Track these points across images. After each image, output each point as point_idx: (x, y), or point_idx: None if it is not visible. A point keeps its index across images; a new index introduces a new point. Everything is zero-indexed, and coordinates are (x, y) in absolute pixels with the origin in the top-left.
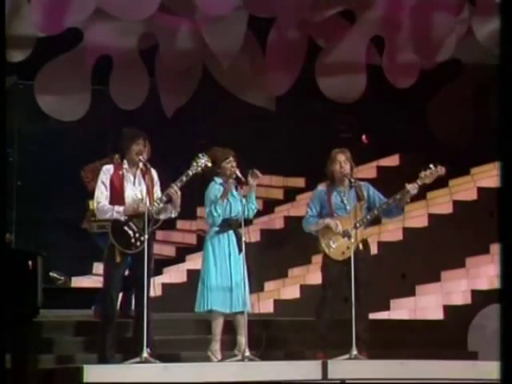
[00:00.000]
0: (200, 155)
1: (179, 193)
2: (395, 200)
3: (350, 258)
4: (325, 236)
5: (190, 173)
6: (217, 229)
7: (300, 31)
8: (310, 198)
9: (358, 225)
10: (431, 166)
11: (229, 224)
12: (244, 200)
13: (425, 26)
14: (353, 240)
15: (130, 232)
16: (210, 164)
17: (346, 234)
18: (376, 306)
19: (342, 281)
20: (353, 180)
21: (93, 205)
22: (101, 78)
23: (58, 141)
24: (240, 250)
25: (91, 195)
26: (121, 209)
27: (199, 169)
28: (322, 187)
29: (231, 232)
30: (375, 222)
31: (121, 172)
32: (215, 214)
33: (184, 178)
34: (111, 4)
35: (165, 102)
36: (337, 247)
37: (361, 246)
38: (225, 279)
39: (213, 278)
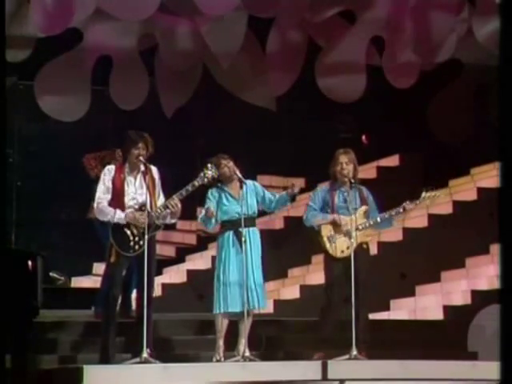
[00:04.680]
0: (209, 166)
1: (179, 205)
2: (397, 213)
3: (348, 257)
4: (327, 231)
5: (196, 183)
6: (220, 229)
7: (300, 31)
8: (313, 193)
9: (360, 227)
10: (433, 187)
11: (230, 225)
12: (245, 201)
13: (424, 26)
14: (353, 241)
15: (130, 235)
16: (216, 176)
17: (346, 234)
18: (376, 306)
19: (342, 280)
20: (353, 181)
21: None
22: (101, 78)
23: (58, 141)
24: (242, 250)
25: (95, 182)
26: (122, 215)
27: (206, 180)
28: (325, 185)
29: (232, 233)
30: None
31: (122, 175)
32: (201, 217)
33: (190, 188)
34: (111, 4)
35: (164, 102)
36: (337, 244)
37: (360, 248)
38: (227, 280)
39: (217, 279)
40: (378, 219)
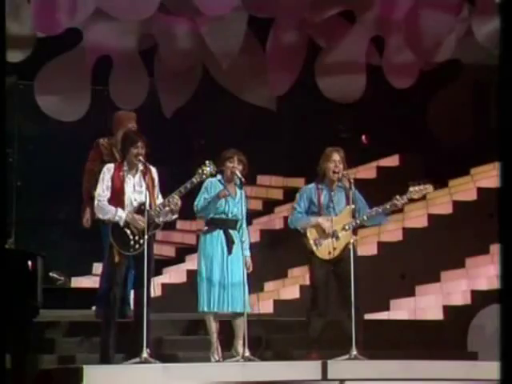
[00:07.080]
0: (207, 163)
1: (180, 203)
2: (384, 209)
3: (336, 258)
4: (313, 234)
5: (195, 180)
6: (208, 227)
7: (300, 31)
8: (298, 193)
9: (346, 227)
10: (420, 182)
11: (221, 224)
12: (244, 202)
13: (424, 26)
14: (341, 241)
15: (130, 234)
16: (215, 172)
17: (334, 235)
18: (376, 306)
19: (329, 281)
20: (352, 181)
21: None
22: (101, 78)
23: (58, 141)
24: (229, 251)
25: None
26: (123, 215)
27: (204, 177)
28: (311, 184)
29: (221, 232)
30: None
31: (122, 173)
32: (197, 204)
33: (188, 185)
34: (111, 4)
35: (164, 102)
36: (324, 246)
37: (347, 249)
38: (213, 279)
39: (201, 277)
40: (365, 217)
